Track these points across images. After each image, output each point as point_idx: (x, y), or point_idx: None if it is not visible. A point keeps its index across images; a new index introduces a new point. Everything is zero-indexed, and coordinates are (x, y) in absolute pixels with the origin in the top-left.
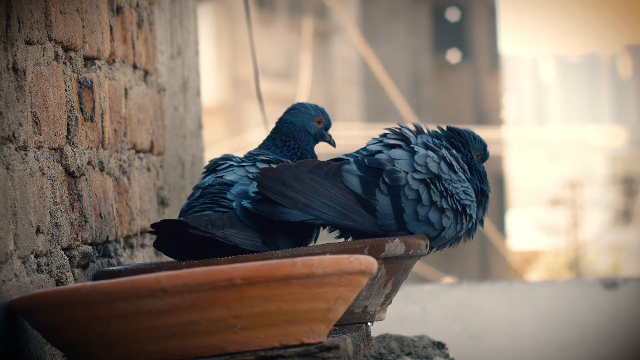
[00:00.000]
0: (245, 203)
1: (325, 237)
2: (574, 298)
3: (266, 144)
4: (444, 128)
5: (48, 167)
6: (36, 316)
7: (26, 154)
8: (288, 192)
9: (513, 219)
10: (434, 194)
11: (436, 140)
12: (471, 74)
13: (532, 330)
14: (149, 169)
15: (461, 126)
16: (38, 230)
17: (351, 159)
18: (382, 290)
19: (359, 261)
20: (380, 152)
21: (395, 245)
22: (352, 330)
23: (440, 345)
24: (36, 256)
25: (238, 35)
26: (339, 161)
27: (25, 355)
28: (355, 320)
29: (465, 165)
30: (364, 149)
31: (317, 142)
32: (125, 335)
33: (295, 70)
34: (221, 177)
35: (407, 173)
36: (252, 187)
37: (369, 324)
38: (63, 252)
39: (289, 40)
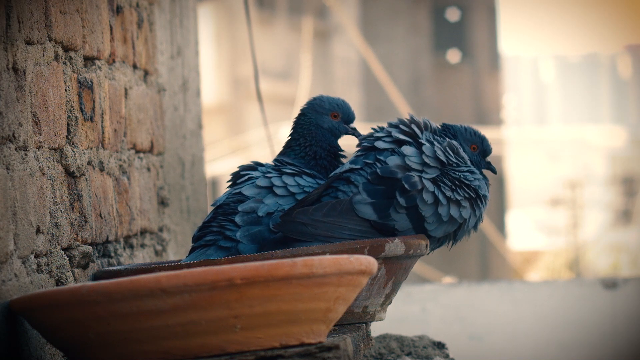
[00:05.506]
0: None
1: None
2: (574, 298)
3: (286, 144)
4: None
5: (48, 167)
6: (36, 316)
7: (26, 154)
8: (309, 230)
9: (513, 219)
10: (446, 190)
11: (437, 137)
12: (471, 74)
13: (532, 330)
14: (149, 169)
15: None
16: (38, 230)
17: (360, 185)
18: (382, 290)
19: (359, 261)
20: (388, 150)
21: (395, 245)
22: (352, 330)
23: (440, 345)
24: (36, 256)
25: (238, 35)
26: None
27: (25, 355)
28: (355, 320)
29: (467, 155)
30: (371, 143)
31: (336, 136)
32: (125, 335)
33: (295, 70)
34: (238, 192)
35: (420, 177)
36: (262, 207)
37: (369, 324)
38: (63, 252)
39: (289, 40)
